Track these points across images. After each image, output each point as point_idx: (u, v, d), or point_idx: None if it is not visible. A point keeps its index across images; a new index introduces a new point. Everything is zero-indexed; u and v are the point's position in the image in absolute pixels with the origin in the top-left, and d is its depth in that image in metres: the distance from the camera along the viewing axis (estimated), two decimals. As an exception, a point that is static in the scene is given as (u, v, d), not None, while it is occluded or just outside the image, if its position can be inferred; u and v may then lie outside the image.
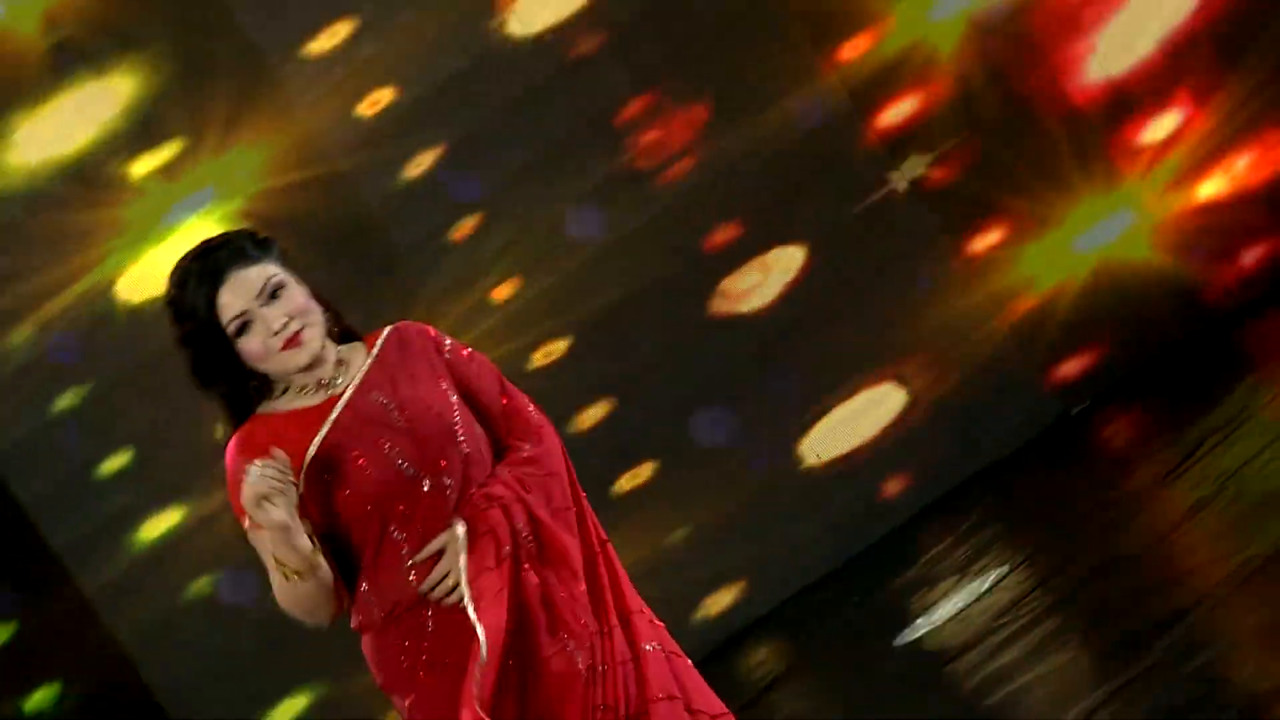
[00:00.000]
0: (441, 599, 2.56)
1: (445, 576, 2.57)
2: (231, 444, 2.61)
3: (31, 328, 6.04)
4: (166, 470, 6.04)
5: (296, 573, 2.50)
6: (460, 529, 2.56)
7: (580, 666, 2.59)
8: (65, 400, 6.07)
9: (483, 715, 2.55)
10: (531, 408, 2.76)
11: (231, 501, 2.56)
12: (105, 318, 6.01)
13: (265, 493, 2.42)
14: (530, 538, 2.62)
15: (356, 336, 2.69)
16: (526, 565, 2.62)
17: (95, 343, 6.05)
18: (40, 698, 6.18)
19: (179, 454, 6.06)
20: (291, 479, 2.44)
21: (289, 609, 2.55)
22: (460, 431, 2.63)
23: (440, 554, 2.57)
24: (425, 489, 2.58)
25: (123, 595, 6.04)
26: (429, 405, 2.63)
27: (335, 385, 2.65)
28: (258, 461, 2.42)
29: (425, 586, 2.55)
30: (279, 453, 2.43)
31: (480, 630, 2.55)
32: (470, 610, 2.57)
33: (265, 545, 2.52)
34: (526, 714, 2.60)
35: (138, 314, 6.02)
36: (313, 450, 2.56)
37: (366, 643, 2.64)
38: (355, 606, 2.62)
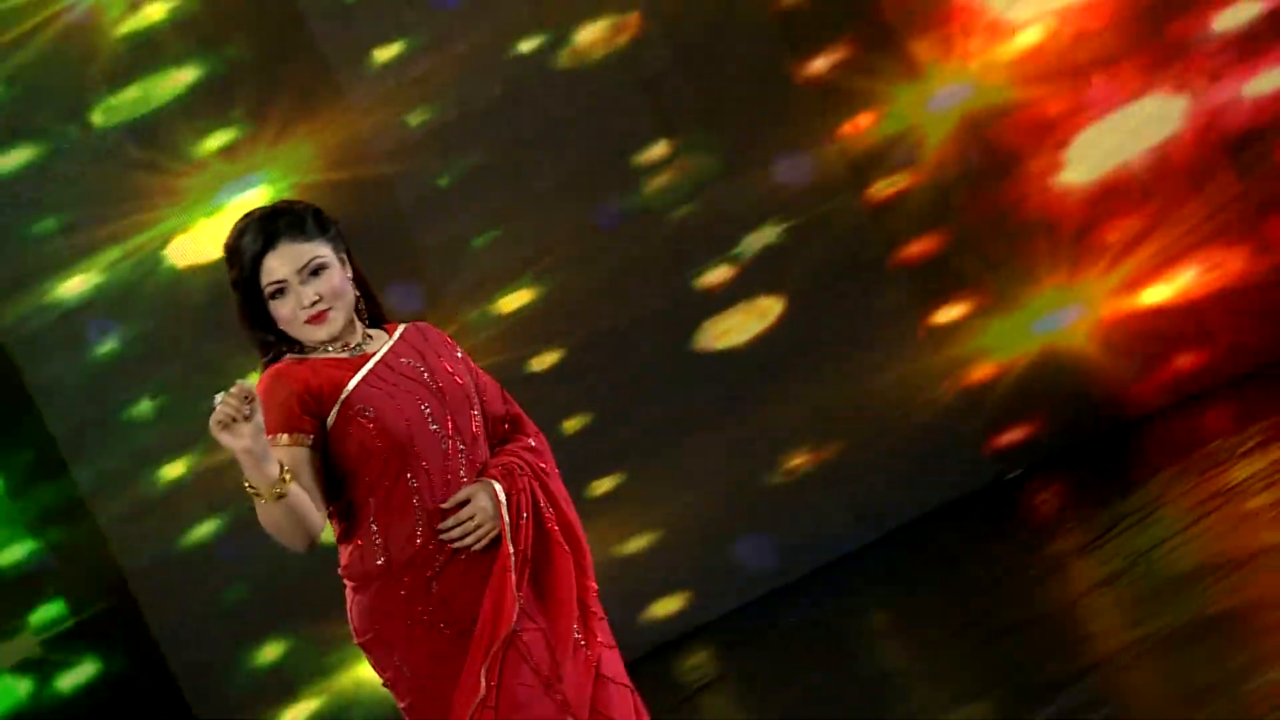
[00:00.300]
0: (469, 546, 2.59)
1: (472, 524, 2.60)
2: (269, 373, 2.63)
3: (83, 276, 6.14)
4: (187, 420, 6.06)
5: (262, 495, 2.48)
6: (497, 485, 2.61)
7: (578, 635, 2.66)
8: (105, 346, 6.20)
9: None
10: (528, 417, 2.82)
11: (265, 414, 2.56)
12: (151, 275, 6.14)
13: (223, 420, 2.40)
14: (549, 508, 2.69)
15: (381, 324, 2.74)
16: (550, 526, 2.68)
17: (139, 296, 6.18)
18: (45, 613, 6.18)
19: (200, 407, 6.14)
20: (252, 409, 2.40)
21: (268, 530, 2.54)
22: (477, 406, 2.68)
23: (458, 508, 2.60)
24: (444, 448, 2.60)
25: (133, 529, 6.18)
26: (454, 375, 2.67)
27: (364, 349, 2.67)
28: (222, 392, 2.41)
29: (454, 533, 2.58)
30: (243, 383, 2.41)
31: (511, 552, 2.60)
32: (511, 546, 2.60)
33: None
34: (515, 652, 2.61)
35: (180, 276, 6.18)
36: (351, 386, 2.60)
37: (358, 593, 2.63)
38: (353, 553, 2.62)
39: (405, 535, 2.57)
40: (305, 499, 2.50)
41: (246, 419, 2.38)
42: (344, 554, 2.66)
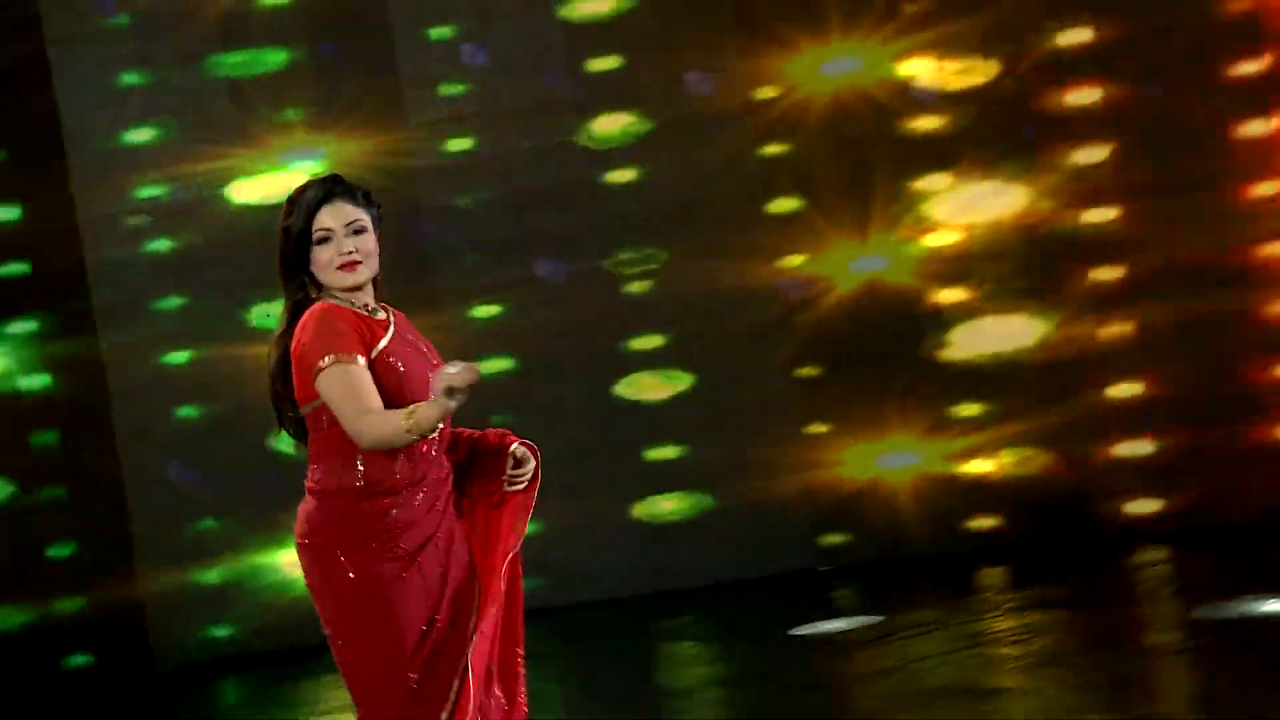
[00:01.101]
0: (518, 490, 2.85)
1: (526, 473, 2.86)
2: (322, 306, 2.78)
3: (159, 183, 6.39)
4: (196, 322, 6.40)
5: (420, 436, 2.67)
6: (517, 446, 2.88)
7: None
8: (157, 244, 6.46)
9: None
10: None
11: (320, 337, 2.72)
12: (210, 202, 6.41)
13: (460, 387, 2.57)
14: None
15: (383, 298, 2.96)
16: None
17: (194, 215, 6.42)
18: (44, 439, 6.51)
19: (217, 319, 6.20)
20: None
21: (379, 443, 2.69)
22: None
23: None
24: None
25: (132, 406, 6.40)
26: (430, 355, 2.91)
27: (377, 315, 2.85)
28: (459, 363, 2.60)
29: (520, 483, 2.86)
30: (476, 366, 2.62)
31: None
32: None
33: (350, 381, 2.67)
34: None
35: (233, 211, 6.42)
36: (386, 340, 2.78)
37: (321, 503, 2.76)
38: (330, 471, 2.75)
39: (386, 467, 2.73)
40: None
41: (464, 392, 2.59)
42: (319, 470, 2.79)
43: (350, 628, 2.72)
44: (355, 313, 2.79)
